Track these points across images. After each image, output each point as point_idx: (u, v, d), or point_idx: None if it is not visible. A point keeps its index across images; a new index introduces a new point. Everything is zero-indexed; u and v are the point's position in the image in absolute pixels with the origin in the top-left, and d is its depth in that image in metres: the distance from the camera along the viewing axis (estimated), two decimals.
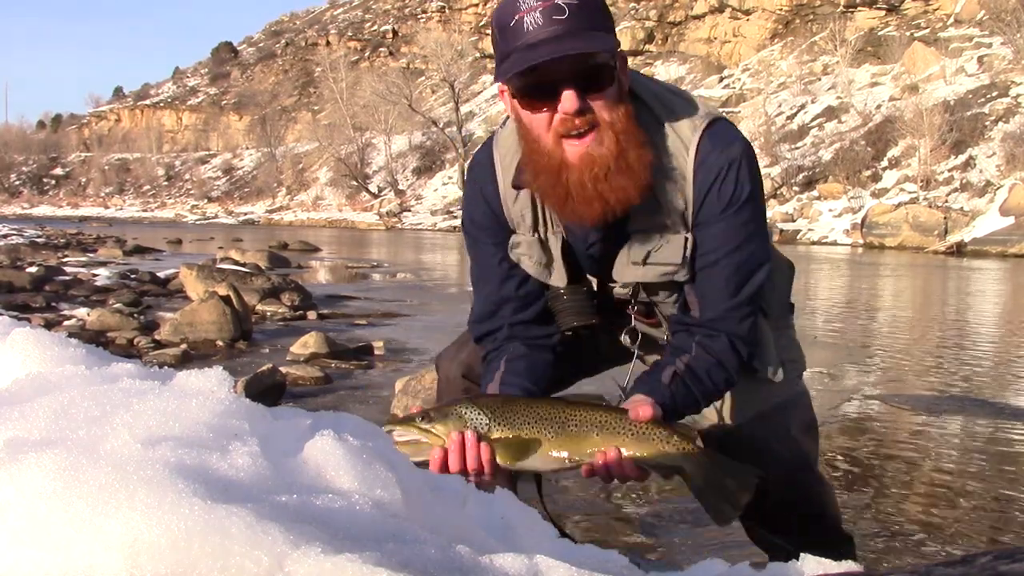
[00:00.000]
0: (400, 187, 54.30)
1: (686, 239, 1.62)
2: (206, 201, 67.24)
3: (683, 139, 1.59)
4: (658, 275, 1.65)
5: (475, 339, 1.81)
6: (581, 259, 1.74)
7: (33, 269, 10.08)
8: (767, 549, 1.88)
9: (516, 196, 1.69)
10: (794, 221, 31.08)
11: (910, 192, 29.43)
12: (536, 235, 1.71)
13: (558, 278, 1.72)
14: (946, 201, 27.38)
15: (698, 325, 1.65)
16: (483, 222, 1.75)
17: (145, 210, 66.41)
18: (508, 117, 1.68)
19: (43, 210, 67.74)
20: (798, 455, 1.82)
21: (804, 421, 1.87)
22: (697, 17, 54.28)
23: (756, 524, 1.94)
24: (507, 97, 1.59)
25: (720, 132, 1.61)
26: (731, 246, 1.60)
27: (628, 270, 1.67)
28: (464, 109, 56.18)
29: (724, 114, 1.68)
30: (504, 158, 1.71)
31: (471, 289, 1.83)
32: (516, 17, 1.48)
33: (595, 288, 1.76)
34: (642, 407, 1.50)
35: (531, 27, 1.47)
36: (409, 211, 49.03)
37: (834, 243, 28.17)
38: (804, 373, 1.92)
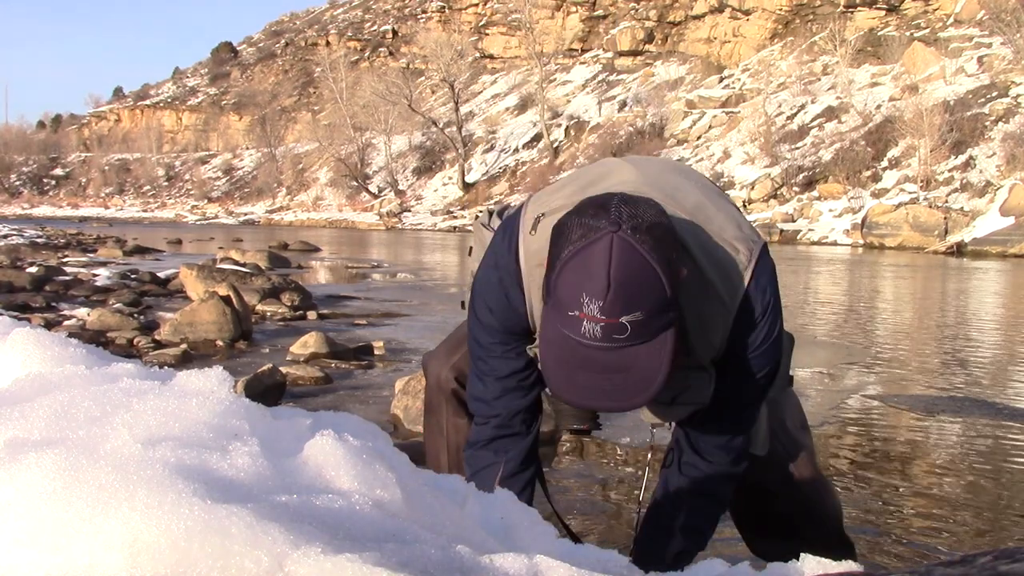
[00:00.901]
0: (400, 187, 54.34)
1: (710, 375, 1.60)
2: (206, 201, 67.27)
3: (728, 295, 1.53)
4: (684, 414, 1.65)
5: (472, 411, 1.79)
6: None
7: (33, 269, 10.06)
8: (767, 556, 1.87)
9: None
10: (794, 221, 31.10)
11: (910, 192, 29.44)
12: None
13: None
14: (946, 201, 27.40)
15: (697, 446, 1.67)
16: (500, 316, 1.67)
17: (145, 210, 66.44)
18: (531, 227, 1.58)
19: (43, 210, 67.73)
20: (798, 452, 1.83)
21: (798, 419, 1.88)
22: (697, 17, 54.24)
23: (754, 534, 1.94)
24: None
25: (759, 278, 1.55)
26: (745, 376, 1.61)
27: (654, 412, 1.66)
28: (464, 109, 56.21)
29: (762, 242, 1.58)
30: (531, 280, 1.60)
31: (468, 293, 1.81)
32: (575, 312, 1.33)
33: None
34: None
35: (587, 335, 1.33)
36: (409, 211, 49.09)
37: (834, 243, 28.19)
38: (804, 373, 1.92)
